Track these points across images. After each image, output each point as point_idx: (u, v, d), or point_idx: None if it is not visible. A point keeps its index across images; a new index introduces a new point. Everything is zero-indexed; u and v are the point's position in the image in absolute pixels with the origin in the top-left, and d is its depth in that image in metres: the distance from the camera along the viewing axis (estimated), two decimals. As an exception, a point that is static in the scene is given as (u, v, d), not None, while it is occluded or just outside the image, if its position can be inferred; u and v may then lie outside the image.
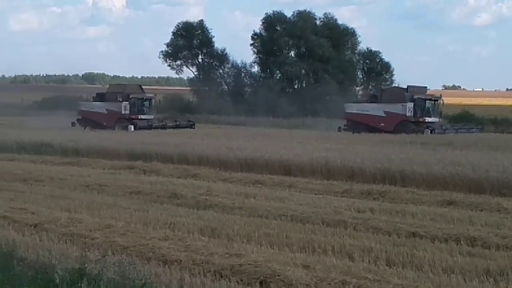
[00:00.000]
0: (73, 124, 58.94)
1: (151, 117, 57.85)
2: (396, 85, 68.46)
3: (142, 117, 56.67)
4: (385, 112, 52.79)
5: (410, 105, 51.24)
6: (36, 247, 12.27)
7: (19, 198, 19.15)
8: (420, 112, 51.79)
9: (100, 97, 60.97)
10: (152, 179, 23.67)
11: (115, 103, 57.00)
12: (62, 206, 17.65)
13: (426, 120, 51.53)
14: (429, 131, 49.22)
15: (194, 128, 57.53)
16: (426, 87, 57.36)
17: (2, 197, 19.27)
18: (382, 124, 51.95)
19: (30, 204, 17.93)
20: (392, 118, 51.94)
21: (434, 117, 52.50)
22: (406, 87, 54.76)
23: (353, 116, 54.84)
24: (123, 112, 56.47)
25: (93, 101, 61.29)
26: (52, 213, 16.36)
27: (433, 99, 53.94)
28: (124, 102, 56.53)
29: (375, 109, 53.58)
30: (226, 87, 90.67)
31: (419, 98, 52.34)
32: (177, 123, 59.12)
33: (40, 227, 14.84)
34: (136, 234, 13.58)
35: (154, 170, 26.34)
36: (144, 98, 58.87)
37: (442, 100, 53.39)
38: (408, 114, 51.20)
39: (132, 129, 53.65)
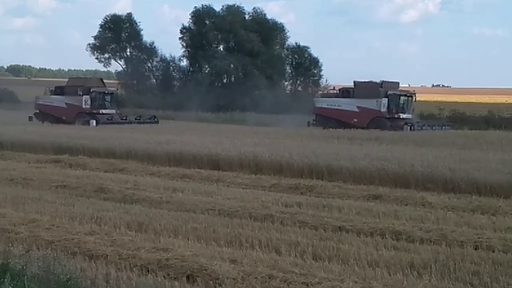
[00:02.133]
0: (30, 118, 56.93)
1: (113, 111, 56.42)
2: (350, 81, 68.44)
3: (104, 111, 55.20)
4: (358, 107, 52.00)
5: (384, 100, 50.74)
6: (-43, 242, 12.01)
7: None
8: (395, 108, 51.25)
9: (60, 90, 59.11)
10: (78, 173, 23.41)
11: (75, 97, 55.41)
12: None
13: (401, 117, 50.93)
14: (409, 128, 48.36)
15: (158, 123, 56.26)
16: (398, 82, 56.66)
17: None
18: (355, 120, 51.08)
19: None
20: (366, 113, 51.27)
21: (408, 113, 52.04)
22: (380, 82, 54.12)
23: (323, 111, 54.07)
24: (83, 107, 54.97)
25: (51, 95, 59.46)
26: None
27: (407, 95, 53.15)
28: (85, 96, 54.99)
29: (348, 104, 52.66)
30: (154, 80, 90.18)
31: (394, 93, 51.79)
32: (139, 118, 57.44)
33: (-38, 222, 14.53)
34: (62, 228, 13.41)
35: (80, 164, 26.04)
36: (106, 92, 57.50)
37: (415, 96, 52.98)
38: (382, 110, 50.67)
39: (94, 124, 51.98)
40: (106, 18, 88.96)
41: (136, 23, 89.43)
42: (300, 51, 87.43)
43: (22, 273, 9.68)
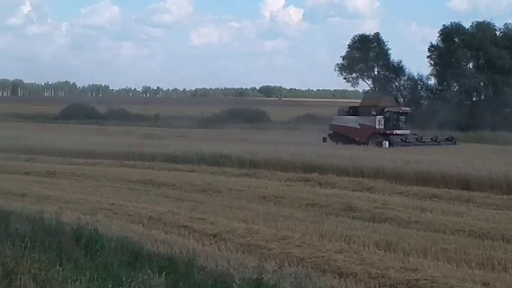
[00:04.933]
0: (324, 139, 55.73)
1: (407, 132, 54.01)
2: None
3: (398, 132, 52.91)
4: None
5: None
6: (215, 257, 12.63)
7: (199, 208, 19.77)
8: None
9: (353, 111, 57.26)
10: (327, 192, 23.72)
11: (369, 117, 53.67)
12: (240, 217, 18.08)
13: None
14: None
15: (455, 144, 53.11)
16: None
17: (183, 207, 19.97)
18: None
19: (209, 214, 18.46)
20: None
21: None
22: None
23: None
24: (377, 127, 53.02)
25: (345, 115, 57.33)
26: (230, 223, 16.79)
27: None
28: (378, 116, 53.15)
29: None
30: (402, 99, 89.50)
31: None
32: (436, 139, 53.65)
33: (219, 237, 15.28)
34: (312, 246, 13.69)
35: (329, 182, 26.35)
36: (400, 112, 55.05)
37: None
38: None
39: (387, 145, 50.10)
40: (354, 38, 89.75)
41: (384, 43, 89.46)
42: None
43: (275, 288, 10.01)
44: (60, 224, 14.24)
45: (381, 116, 53.02)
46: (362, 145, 47.25)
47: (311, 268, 11.96)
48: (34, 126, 76.72)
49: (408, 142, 50.51)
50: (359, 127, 54.17)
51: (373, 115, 53.35)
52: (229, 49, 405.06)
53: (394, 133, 52.26)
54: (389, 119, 53.39)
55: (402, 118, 55.07)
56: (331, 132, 56.48)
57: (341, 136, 54.72)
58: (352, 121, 55.12)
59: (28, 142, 47.22)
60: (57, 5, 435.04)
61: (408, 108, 57.45)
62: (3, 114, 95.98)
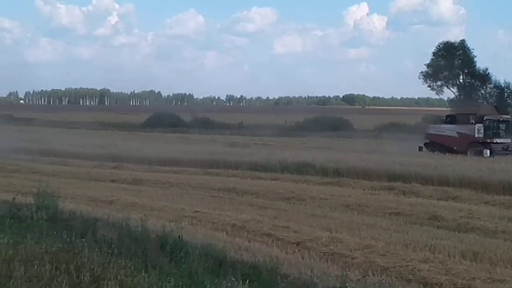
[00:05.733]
0: (420, 148, 54.13)
1: (508, 141, 51.70)
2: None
3: (498, 140, 51.03)
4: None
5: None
6: (298, 265, 12.63)
7: (282, 217, 19.81)
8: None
9: (451, 119, 55.48)
10: (411, 201, 23.48)
11: (467, 126, 51.81)
12: (323, 225, 18.05)
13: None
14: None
15: None
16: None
17: (266, 215, 20.05)
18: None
19: (292, 222, 18.48)
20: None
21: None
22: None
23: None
24: (476, 136, 51.08)
25: (443, 124, 55.86)
26: (313, 232, 16.78)
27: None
28: (477, 124, 51.22)
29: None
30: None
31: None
32: None
33: (302, 245, 15.29)
34: (396, 255, 13.59)
35: (413, 191, 26.07)
36: (501, 119, 52.99)
37: None
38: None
39: (488, 154, 48.41)
40: (439, 46, 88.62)
41: (469, 50, 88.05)
42: None
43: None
44: (146, 231, 14.44)
45: (481, 124, 51.10)
46: (459, 154, 46.51)
47: (395, 277, 11.88)
48: (120, 134, 78.13)
49: (510, 151, 49.22)
50: (457, 135, 52.53)
51: (471, 123, 51.47)
52: (312, 57, 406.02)
53: (495, 141, 50.49)
54: (489, 128, 51.47)
55: (503, 126, 52.83)
56: (427, 141, 54.96)
57: (437, 145, 53.23)
58: (449, 130, 53.42)
59: (114, 150, 48.14)
60: (143, 15, 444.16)
61: (509, 116, 55.45)
62: (91, 123, 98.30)
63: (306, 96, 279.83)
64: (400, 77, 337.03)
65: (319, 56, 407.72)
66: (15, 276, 9.95)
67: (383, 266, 12.76)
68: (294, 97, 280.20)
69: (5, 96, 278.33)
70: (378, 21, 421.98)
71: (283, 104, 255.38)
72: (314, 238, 15.70)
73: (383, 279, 11.10)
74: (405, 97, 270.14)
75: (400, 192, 26.09)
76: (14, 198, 18.20)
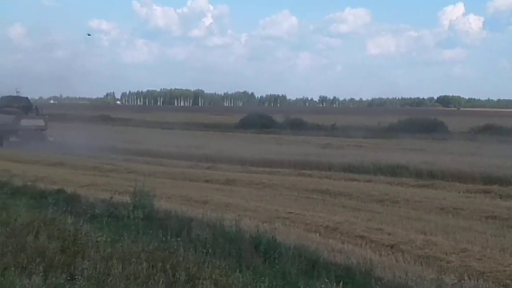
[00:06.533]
0: None
1: None
2: None
3: None
4: None
5: None
6: (392, 268, 12.56)
7: (375, 219, 19.69)
8: None
9: None
10: (509, 204, 22.93)
11: None
12: (417, 228, 17.87)
13: None
14: None
15: None
16: None
17: (359, 217, 19.96)
18: None
19: (386, 225, 18.35)
20: None
21: None
22: None
23: None
24: None
25: None
26: (407, 234, 16.63)
27: None
28: None
29: None
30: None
31: None
32: None
33: (396, 248, 15.17)
34: (493, 259, 13.36)
35: (510, 195, 25.47)
36: None
37: None
38: None
39: None
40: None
41: None
42: None
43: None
44: (240, 231, 14.59)
45: None
46: None
47: (492, 282, 11.69)
48: (214, 135, 78.84)
49: None
50: None
51: None
52: (406, 58, 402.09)
53: None
54: None
55: None
56: None
57: None
58: None
59: (208, 150, 48.57)
60: (237, 16, 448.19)
61: None
62: (185, 123, 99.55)
63: (400, 98, 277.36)
64: (497, 78, 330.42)
65: (413, 57, 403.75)
66: (113, 273, 10.22)
67: (479, 271, 12.55)
68: (387, 98, 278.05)
69: (102, 97, 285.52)
70: (474, 21, 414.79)
71: (376, 106, 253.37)
72: (409, 241, 15.56)
73: (479, 284, 10.93)
74: (502, 98, 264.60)
75: (496, 196, 25.52)
76: (111, 197, 18.70)
